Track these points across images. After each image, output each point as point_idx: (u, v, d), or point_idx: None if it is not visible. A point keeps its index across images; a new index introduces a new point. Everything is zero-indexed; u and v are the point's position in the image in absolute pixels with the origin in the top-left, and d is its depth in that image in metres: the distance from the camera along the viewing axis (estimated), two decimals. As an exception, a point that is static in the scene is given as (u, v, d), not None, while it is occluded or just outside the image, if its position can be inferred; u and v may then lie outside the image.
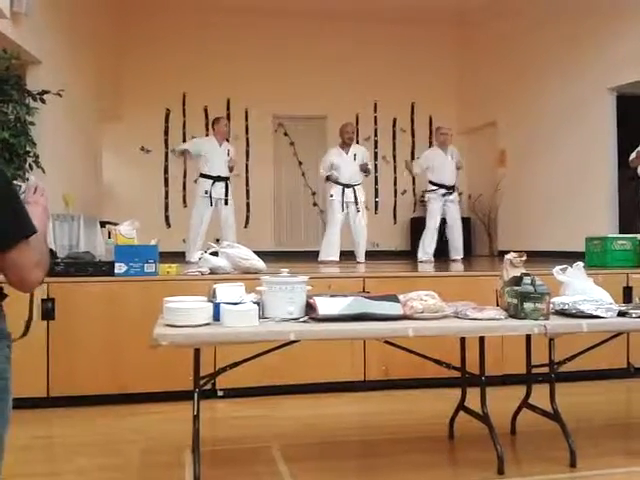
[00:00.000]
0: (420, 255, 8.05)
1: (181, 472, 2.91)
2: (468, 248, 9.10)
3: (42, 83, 5.97)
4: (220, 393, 4.23)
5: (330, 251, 7.52)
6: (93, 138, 9.15)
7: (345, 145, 7.75)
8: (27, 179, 1.72)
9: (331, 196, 7.63)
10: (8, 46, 5.38)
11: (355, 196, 7.58)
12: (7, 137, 4.85)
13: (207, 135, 8.04)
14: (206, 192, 7.54)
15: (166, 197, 10.73)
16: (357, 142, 8.36)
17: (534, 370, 3.36)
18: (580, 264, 3.38)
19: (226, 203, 7.63)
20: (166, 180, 10.77)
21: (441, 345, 3.31)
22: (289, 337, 2.65)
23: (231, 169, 7.79)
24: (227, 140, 8.00)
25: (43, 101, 5.40)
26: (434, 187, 8.11)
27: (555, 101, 8.96)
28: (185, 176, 10.60)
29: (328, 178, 7.66)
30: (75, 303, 4.13)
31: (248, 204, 10.80)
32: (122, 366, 4.14)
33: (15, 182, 1.66)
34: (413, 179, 11.46)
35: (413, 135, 11.60)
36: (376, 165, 11.25)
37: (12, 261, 1.51)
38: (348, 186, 7.58)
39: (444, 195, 8.04)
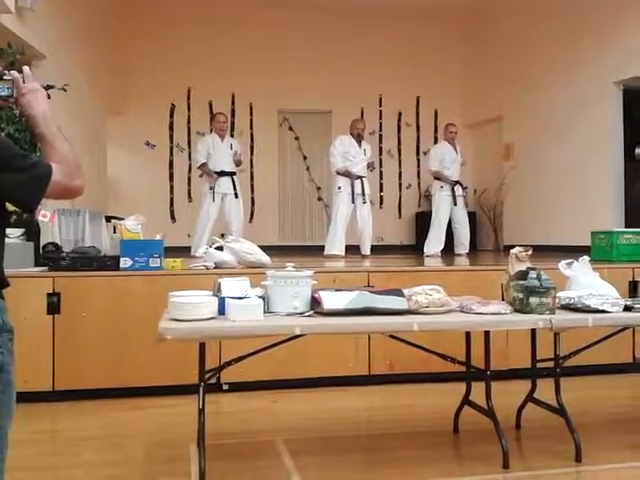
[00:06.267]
0: (428, 250, 8.04)
1: (186, 466, 2.92)
2: (473, 242, 9.09)
3: (47, 78, 5.95)
4: (225, 387, 4.24)
5: (336, 245, 7.52)
6: (98, 133, 9.16)
7: (356, 139, 7.74)
8: (8, 74, 1.66)
9: (339, 188, 7.59)
10: (13, 41, 5.37)
11: (362, 188, 7.59)
12: (12, 132, 4.85)
13: (211, 131, 8.05)
14: (210, 188, 7.57)
15: (171, 192, 10.75)
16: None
17: (539, 364, 3.36)
18: (586, 258, 3.36)
19: (236, 196, 7.66)
20: (171, 175, 10.78)
21: (446, 339, 3.32)
22: (294, 331, 2.65)
23: (237, 163, 7.80)
24: (232, 135, 7.97)
25: (48, 96, 5.39)
26: (443, 183, 8.09)
27: (561, 95, 8.92)
28: (190, 171, 10.61)
29: (338, 172, 7.61)
30: (80, 297, 4.13)
31: (253, 199, 10.81)
32: (127, 360, 4.15)
33: (5, 77, 1.65)
34: (418, 173, 11.47)
35: (418, 129, 11.57)
36: (381, 159, 11.24)
37: (54, 195, 1.60)
38: (357, 177, 7.58)
39: (452, 190, 8.04)
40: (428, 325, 2.78)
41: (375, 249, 7.89)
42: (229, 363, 3.00)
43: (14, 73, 1.67)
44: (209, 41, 10.50)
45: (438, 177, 8.13)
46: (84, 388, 4.10)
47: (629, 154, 8.11)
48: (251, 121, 10.95)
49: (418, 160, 11.53)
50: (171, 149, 10.77)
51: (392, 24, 10.96)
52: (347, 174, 7.53)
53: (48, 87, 1.83)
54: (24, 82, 1.68)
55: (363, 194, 7.60)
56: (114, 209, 8.52)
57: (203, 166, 7.69)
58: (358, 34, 10.88)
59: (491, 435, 2.98)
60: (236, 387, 4.23)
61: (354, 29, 10.85)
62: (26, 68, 1.71)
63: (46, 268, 4.26)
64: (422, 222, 10.07)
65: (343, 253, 7.49)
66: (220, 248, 4.57)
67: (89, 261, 4.26)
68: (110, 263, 4.27)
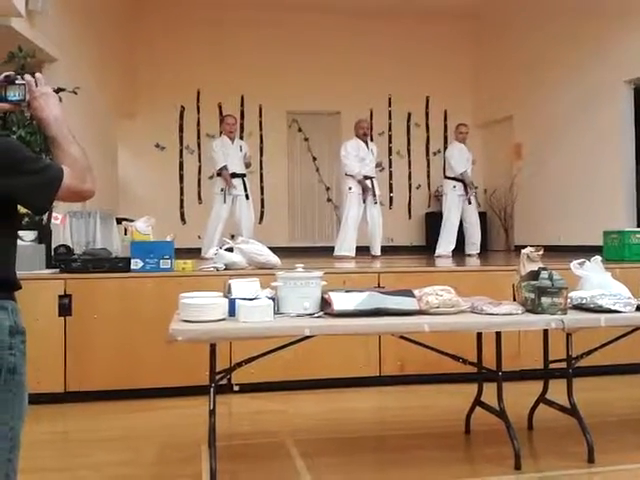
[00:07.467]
0: (439, 250, 8.00)
1: (197, 467, 2.92)
2: (484, 243, 9.06)
3: (58, 81, 6.00)
4: (236, 388, 4.25)
5: (346, 246, 7.50)
6: (109, 135, 9.20)
7: (362, 139, 7.73)
8: (21, 78, 1.66)
9: (350, 189, 7.57)
10: (23, 44, 5.39)
11: (373, 188, 7.58)
12: (23, 135, 4.88)
13: (220, 133, 8.08)
14: (222, 190, 7.58)
15: (181, 194, 10.79)
16: (371, 138, 8.30)
17: (551, 365, 3.34)
18: (598, 258, 3.34)
19: (247, 198, 7.66)
20: (181, 177, 10.82)
21: (457, 340, 3.30)
22: (304, 332, 2.64)
23: (247, 165, 7.81)
24: (241, 137, 7.97)
25: (59, 99, 5.39)
26: (454, 182, 8.04)
27: (571, 94, 8.87)
28: (200, 172, 10.66)
29: (353, 176, 7.56)
30: (92, 299, 4.16)
31: (262, 200, 10.82)
32: (138, 361, 4.16)
33: (17, 82, 1.65)
34: (428, 173, 11.45)
35: (428, 129, 11.55)
36: (390, 160, 11.23)
37: (65, 198, 1.60)
38: (367, 178, 7.57)
39: (464, 190, 8.00)
40: (439, 326, 2.77)
41: (385, 250, 7.87)
42: (239, 364, 3.01)
43: (27, 77, 1.68)
44: (218, 43, 10.53)
45: (460, 179, 8.03)
46: (96, 389, 4.11)
47: (640, 153, 8.06)
48: (260, 123, 10.96)
49: (428, 160, 11.51)
50: (181, 151, 10.81)
51: (401, 24, 10.95)
52: (362, 182, 7.49)
53: (59, 90, 1.84)
54: (36, 86, 1.69)
55: (373, 194, 7.59)
56: (125, 211, 8.54)
57: (223, 169, 7.60)
58: (366, 35, 10.87)
59: (503, 436, 2.96)
60: (247, 388, 4.24)
61: (362, 30, 10.85)
62: (38, 74, 1.72)
63: (58, 270, 4.28)
64: (432, 222, 10.04)
65: (353, 254, 7.47)
66: (230, 249, 4.58)
67: (100, 263, 4.28)
68: (121, 265, 4.29)
